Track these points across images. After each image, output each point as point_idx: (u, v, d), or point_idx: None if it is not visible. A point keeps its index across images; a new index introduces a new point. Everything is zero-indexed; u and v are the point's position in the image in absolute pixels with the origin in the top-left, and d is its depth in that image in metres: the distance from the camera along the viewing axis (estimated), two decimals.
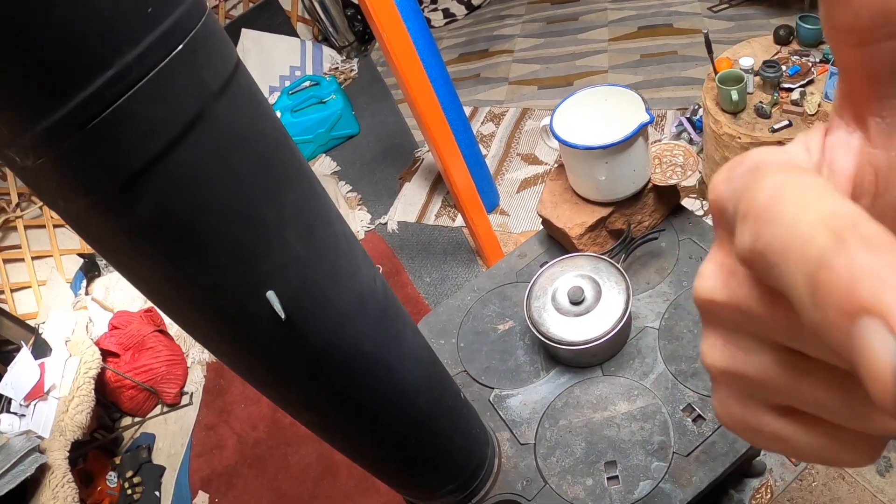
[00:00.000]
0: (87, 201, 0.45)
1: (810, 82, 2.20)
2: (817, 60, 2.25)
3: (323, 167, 3.31)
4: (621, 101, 1.22)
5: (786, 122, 2.09)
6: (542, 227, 1.41)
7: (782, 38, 2.38)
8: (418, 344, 0.82)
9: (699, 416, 1.08)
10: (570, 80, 3.16)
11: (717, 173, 0.21)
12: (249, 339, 0.60)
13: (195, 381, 2.71)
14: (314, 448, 2.31)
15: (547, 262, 1.25)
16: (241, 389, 2.60)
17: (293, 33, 3.92)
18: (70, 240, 3.22)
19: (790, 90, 2.18)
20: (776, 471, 1.90)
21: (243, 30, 3.82)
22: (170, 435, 2.60)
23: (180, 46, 0.44)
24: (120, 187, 0.45)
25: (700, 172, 2.64)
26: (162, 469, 2.50)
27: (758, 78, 2.24)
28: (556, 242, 1.38)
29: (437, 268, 2.59)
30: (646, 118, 1.14)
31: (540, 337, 1.13)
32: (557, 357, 1.20)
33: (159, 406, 2.70)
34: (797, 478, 1.87)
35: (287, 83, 3.60)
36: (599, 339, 1.09)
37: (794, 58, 2.31)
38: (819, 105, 2.10)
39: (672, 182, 1.25)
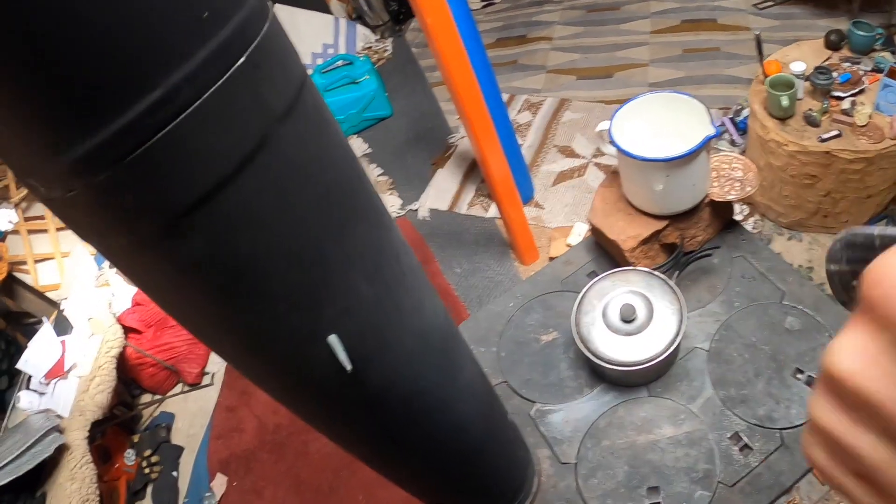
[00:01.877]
0: (125, 241, 0.39)
1: (861, 91, 2.12)
2: (869, 69, 2.16)
3: (354, 149, 3.26)
4: (684, 110, 1.17)
5: (835, 133, 2.02)
6: (585, 227, 1.37)
7: (833, 44, 2.29)
8: (475, 375, 0.79)
9: (746, 445, 1.05)
10: (609, 72, 3.09)
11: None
12: (306, 384, 0.56)
13: (217, 361, 2.71)
14: None
15: (596, 274, 1.21)
16: None
17: (327, 10, 3.85)
18: None
19: (840, 98, 2.10)
20: (803, 488, 1.86)
21: (276, 5, 3.76)
22: (189, 415, 2.61)
23: (240, 61, 0.37)
24: (165, 228, 0.38)
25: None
26: (180, 449, 2.51)
27: (808, 83, 2.15)
28: (604, 251, 1.34)
29: (468, 258, 2.55)
30: (711, 131, 1.09)
31: (588, 354, 1.10)
32: (603, 375, 1.17)
33: (180, 385, 2.71)
34: (823, 497, 1.83)
35: (319, 61, 3.54)
36: (650, 361, 1.05)
37: (846, 64, 2.22)
38: (870, 117, 2.03)
39: (730, 198, 1.20)
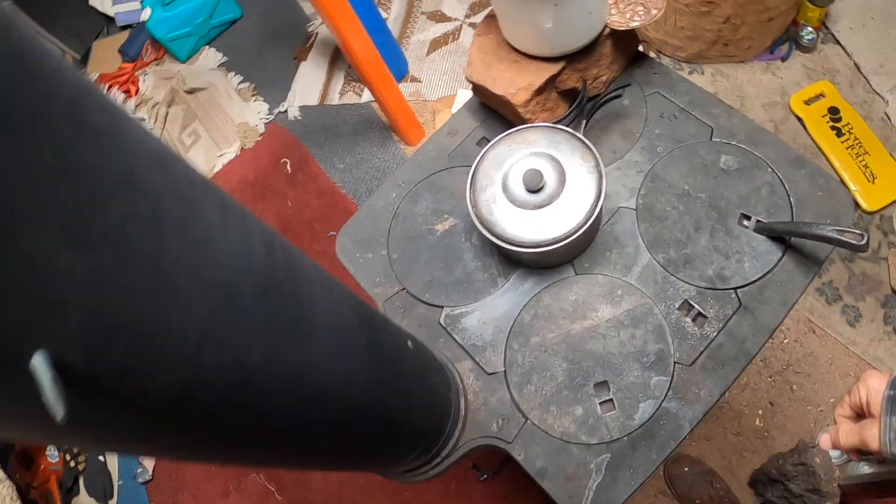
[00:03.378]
0: None
1: None
2: None
3: (208, 60, 2.72)
4: None
5: None
6: (470, 93, 1.07)
7: None
8: (341, 313, 0.50)
9: (700, 314, 0.83)
10: None
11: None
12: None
13: None
14: None
15: (488, 141, 0.92)
16: None
17: None
18: None
19: None
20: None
21: None
22: None
23: None
24: None
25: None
26: None
27: None
28: (494, 113, 1.04)
29: (348, 151, 2.19)
30: None
31: (494, 240, 0.82)
32: (518, 260, 0.91)
33: None
34: (768, 338, 1.74)
35: None
36: (571, 234, 0.80)
37: None
38: None
39: (635, 24, 0.90)
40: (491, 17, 0.97)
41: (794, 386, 1.65)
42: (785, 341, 1.70)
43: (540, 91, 0.92)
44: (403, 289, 0.96)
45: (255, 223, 0.42)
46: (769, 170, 0.89)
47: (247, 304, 0.36)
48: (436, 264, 0.95)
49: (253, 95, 2.46)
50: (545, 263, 0.89)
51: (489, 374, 0.86)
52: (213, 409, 0.35)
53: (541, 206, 0.81)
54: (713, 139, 0.93)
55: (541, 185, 0.81)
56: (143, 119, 2.62)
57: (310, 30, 2.59)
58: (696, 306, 0.83)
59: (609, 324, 0.84)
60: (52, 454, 2.08)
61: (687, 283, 0.84)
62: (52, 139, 0.23)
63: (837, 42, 2.04)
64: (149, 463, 2.03)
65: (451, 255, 0.95)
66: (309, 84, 2.39)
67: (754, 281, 0.83)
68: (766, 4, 1.80)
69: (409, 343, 0.70)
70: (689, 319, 0.83)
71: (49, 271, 0.23)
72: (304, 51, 2.49)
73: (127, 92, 2.81)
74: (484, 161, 0.86)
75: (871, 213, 1.78)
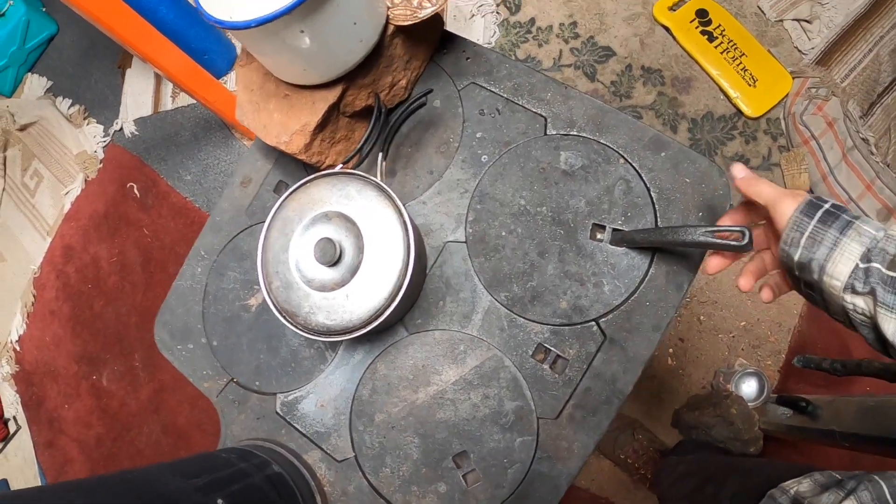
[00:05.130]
0: None
1: None
2: None
3: (33, 89, 2.32)
4: None
5: None
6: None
7: None
8: None
9: (558, 356, 0.71)
10: None
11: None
12: None
13: (10, 403, 2.07)
14: (154, 421, 1.85)
15: (287, 186, 0.74)
16: (56, 388, 2.00)
17: None
18: None
19: None
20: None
21: None
22: (17, 470, 2.03)
23: None
24: None
25: None
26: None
27: None
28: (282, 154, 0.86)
29: (193, 159, 1.94)
30: None
31: (301, 333, 0.67)
32: None
33: None
34: (642, 371, 1.66)
35: None
36: (385, 309, 0.65)
37: None
38: None
39: (425, 14, 0.72)
40: (247, 52, 0.76)
41: (702, 317, 1.60)
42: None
43: (321, 127, 0.73)
44: (232, 379, 0.81)
45: None
46: (622, 161, 0.74)
47: None
48: (259, 346, 0.80)
49: (85, 119, 2.14)
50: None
51: (340, 462, 0.74)
52: None
53: (342, 284, 0.65)
54: (548, 132, 0.77)
55: (336, 256, 0.65)
56: None
57: None
58: (553, 349, 0.71)
59: (456, 386, 0.72)
60: None
61: (538, 322, 0.71)
62: None
63: None
64: None
65: (271, 333, 0.80)
66: (139, 93, 2.07)
67: (618, 306, 0.70)
68: None
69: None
70: (546, 367, 0.71)
71: None
72: (126, 57, 2.15)
73: None
74: (269, 237, 0.69)
75: (757, 119, 1.67)
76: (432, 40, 0.83)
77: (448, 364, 0.72)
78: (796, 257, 0.54)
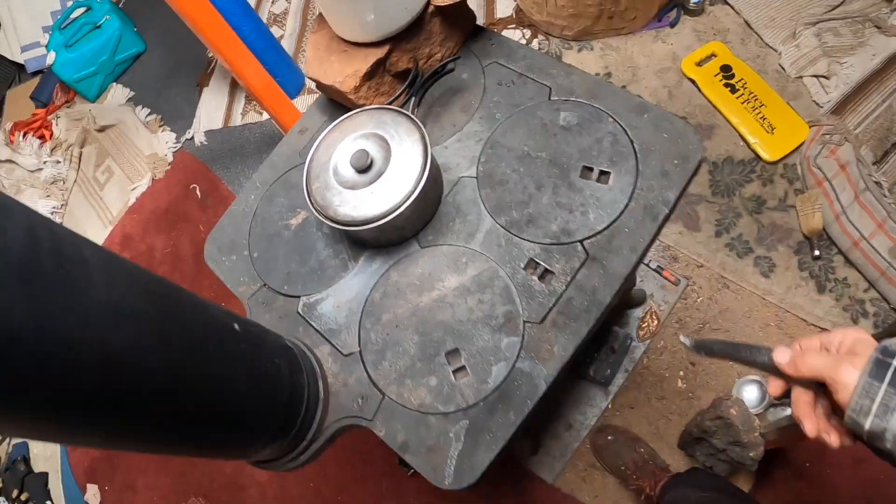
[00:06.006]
0: None
1: None
2: None
3: (116, 97, 2.72)
4: None
5: None
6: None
7: None
8: (123, 293, 0.52)
9: (546, 270, 0.85)
10: None
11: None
12: None
13: None
14: None
15: (326, 128, 0.94)
16: None
17: None
18: None
19: None
20: (657, 295, 1.79)
21: None
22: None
23: None
24: None
25: (515, 1, 2.34)
26: (45, 476, 2.16)
27: None
28: (340, 106, 1.07)
29: (254, 169, 2.22)
30: None
31: (328, 223, 0.85)
32: (363, 242, 0.93)
33: None
34: (680, 297, 1.77)
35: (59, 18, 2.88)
36: (401, 206, 0.82)
37: None
38: None
39: None
40: (322, 16, 1.00)
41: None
42: (699, 300, 1.74)
43: (370, 76, 0.94)
44: (265, 284, 0.98)
45: (20, 212, 0.45)
46: (611, 120, 0.91)
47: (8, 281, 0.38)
48: (292, 257, 0.97)
49: (160, 126, 2.47)
50: (389, 241, 0.91)
51: (346, 356, 0.88)
52: None
53: (370, 184, 0.83)
54: (552, 98, 0.96)
55: (367, 164, 0.83)
56: (58, 161, 2.60)
57: (210, 56, 2.61)
58: (542, 263, 0.85)
59: (456, 292, 0.86)
60: None
61: (531, 241, 0.87)
62: None
63: (726, 2, 2.11)
64: (93, 499, 2.03)
65: (305, 246, 0.97)
66: (212, 109, 2.41)
67: (601, 231, 0.85)
68: None
69: (236, 325, 0.71)
70: (535, 278, 0.85)
71: None
72: (206, 76, 2.51)
73: (42, 137, 2.80)
74: (318, 150, 0.89)
75: (775, 163, 1.83)
76: (465, 28, 1.05)
77: (451, 273, 0.88)
78: (867, 426, 0.51)
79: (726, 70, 1.96)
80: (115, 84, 2.76)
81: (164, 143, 2.39)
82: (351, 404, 0.85)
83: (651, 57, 2.07)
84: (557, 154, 0.91)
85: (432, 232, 0.91)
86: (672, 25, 2.09)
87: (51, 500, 2.10)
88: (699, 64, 1.99)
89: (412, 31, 0.95)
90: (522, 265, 0.86)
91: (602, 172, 0.88)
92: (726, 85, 1.93)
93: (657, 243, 1.85)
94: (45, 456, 2.21)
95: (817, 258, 1.71)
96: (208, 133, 2.35)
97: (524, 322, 0.83)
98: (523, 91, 0.99)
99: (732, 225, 1.81)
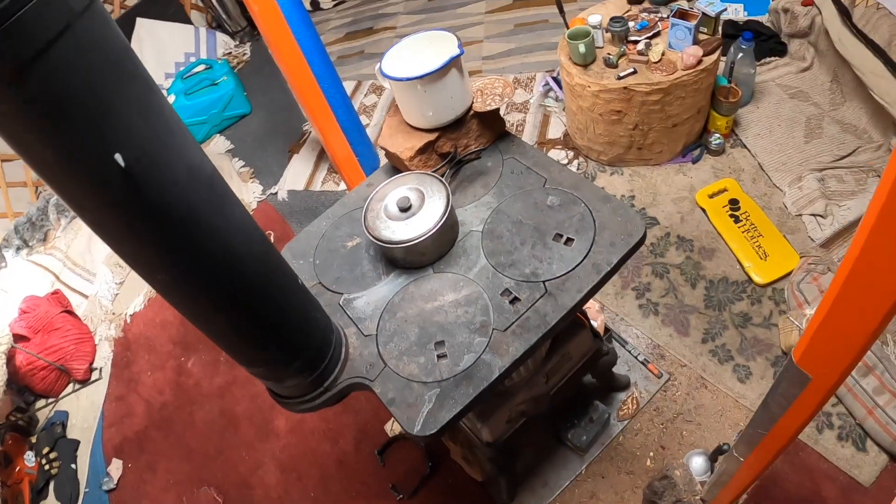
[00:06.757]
0: None
1: (656, 35, 2.41)
2: (665, 16, 2.45)
3: (217, 146, 3.38)
4: (441, 43, 1.38)
5: (631, 70, 2.30)
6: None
7: None
8: (247, 221, 0.95)
9: (515, 298, 1.25)
10: None
11: None
12: (104, 191, 0.73)
13: (103, 357, 2.75)
14: (216, 404, 2.41)
15: (384, 182, 1.40)
16: (146, 358, 2.66)
17: (187, 20, 3.95)
18: None
19: (637, 42, 2.39)
20: (640, 384, 2.11)
21: (138, 19, 3.83)
22: (82, 410, 2.64)
23: None
24: (12, 73, 0.59)
25: (564, 126, 2.86)
26: (77, 443, 2.54)
27: (609, 35, 2.45)
28: (397, 171, 1.54)
29: None
30: (456, 52, 1.31)
31: (374, 240, 1.28)
32: (394, 260, 1.36)
33: (71, 385, 2.74)
34: (661, 389, 2.09)
35: (182, 69, 3.65)
36: (424, 235, 1.25)
37: (644, 14, 2.52)
38: (663, 54, 2.32)
39: (490, 107, 1.42)
40: (396, 106, 1.50)
41: (685, 432, 1.98)
42: (677, 394, 2.05)
43: (422, 151, 1.41)
44: (319, 282, 1.41)
45: (204, 154, 0.89)
46: (582, 205, 1.34)
47: (197, 179, 0.83)
48: (343, 267, 1.41)
49: (251, 178, 3.07)
50: (413, 263, 1.34)
51: (365, 336, 1.28)
52: (179, 225, 0.81)
53: (407, 219, 1.28)
54: (545, 186, 1.40)
55: (407, 205, 1.28)
56: None
57: (304, 129, 3.25)
58: (514, 292, 1.25)
59: (451, 304, 1.27)
60: (29, 458, 2.45)
61: (509, 277, 1.27)
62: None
63: (745, 146, 2.56)
64: (115, 472, 2.37)
65: (353, 261, 1.41)
66: (298, 172, 2.99)
67: (559, 276, 1.25)
68: (666, 112, 2.34)
69: (301, 282, 1.14)
70: (507, 301, 1.25)
71: (130, 125, 0.70)
72: (298, 145, 3.13)
73: None
74: (377, 195, 1.35)
75: (765, 286, 2.18)
76: (496, 131, 1.52)
77: (450, 291, 1.29)
78: None
79: (734, 203, 2.36)
80: (218, 135, 3.44)
81: (252, 192, 2.96)
82: (361, 368, 1.24)
83: (671, 186, 2.51)
84: (540, 223, 1.33)
85: (444, 263, 1.34)
86: (694, 162, 2.54)
87: (76, 463, 2.48)
88: (711, 196, 2.41)
89: (456, 126, 1.43)
90: (500, 292, 1.26)
91: (568, 239, 1.29)
92: (731, 216, 2.33)
93: (648, 341, 2.19)
94: (83, 426, 2.61)
95: None
96: (291, 192, 2.92)
97: (493, 329, 1.22)
98: (527, 179, 1.43)
99: (718, 335, 2.14)
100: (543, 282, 1.25)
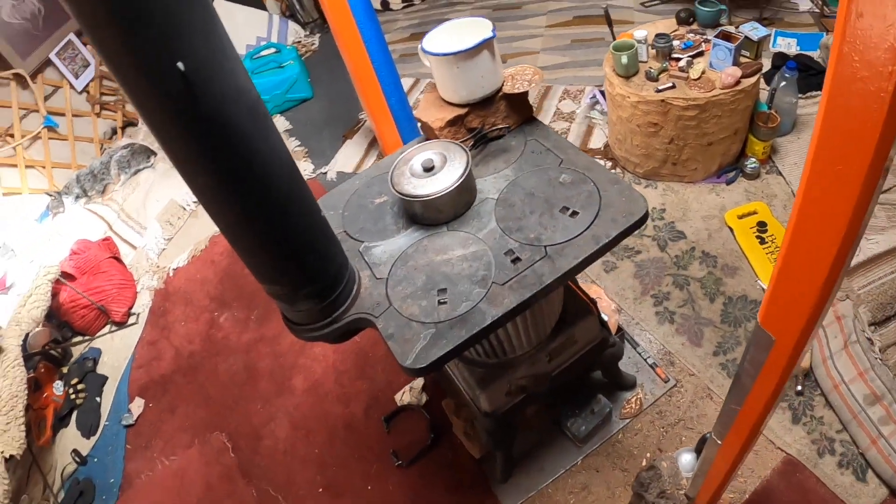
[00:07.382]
0: None
1: (700, 54, 2.55)
2: (710, 38, 2.60)
3: (277, 126, 3.67)
4: (477, 27, 1.57)
5: (670, 84, 2.44)
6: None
7: (683, 20, 2.74)
8: (281, 148, 1.14)
9: (517, 258, 1.40)
10: (504, 59, 3.55)
11: None
12: (166, 91, 0.91)
13: (142, 304, 3.01)
14: (241, 358, 2.61)
15: (412, 145, 1.58)
16: (182, 309, 2.90)
17: (262, 7, 4.30)
18: (38, 179, 3.52)
19: (679, 60, 2.54)
20: (647, 386, 2.22)
21: (216, 0, 4.18)
22: (115, 350, 2.89)
23: None
24: None
25: (605, 135, 2.99)
26: (105, 378, 2.79)
27: (654, 50, 2.60)
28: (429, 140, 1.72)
29: None
30: (489, 35, 1.50)
31: (397, 194, 1.46)
32: (414, 216, 1.53)
33: (108, 326, 3.00)
34: (666, 393, 2.19)
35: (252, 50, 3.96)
36: (442, 191, 1.42)
37: (690, 34, 2.67)
38: (703, 72, 2.46)
39: (518, 90, 1.59)
40: (433, 83, 1.68)
41: (684, 438, 2.07)
42: (682, 400, 2.14)
43: (452, 123, 1.59)
44: (344, 230, 1.59)
45: (253, 85, 1.09)
46: (592, 184, 1.49)
47: (243, 101, 1.02)
48: (368, 220, 1.59)
49: (304, 157, 3.32)
50: (430, 219, 1.51)
51: (377, 279, 1.46)
52: (222, 129, 1.00)
53: (429, 177, 1.45)
54: (560, 165, 1.56)
55: (431, 166, 1.46)
56: None
57: (360, 117, 3.49)
58: (516, 252, 1.41)
59: (458, 258, 1.43)
60: (58, 387, 2.70)
61: (514, 240, 1.43)
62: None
63: (780, 174, 2.65)
64: (136, 410, 2.60)
65: (378, 215, 1.59)
66: (348, 157, 3.23)
67: (559, 243, 1.40)
68: (702, 129, 2.46)
69: (322, 215, 1.32)
70: (509, 260, 1.40)
71: (192, 41, 0.90)
72: (352, 132, 3.38)
73: None
74: (405, 154, 1.53)
75: None
76: (524, 115, 1.69)
77: (459, 247, 1.45)
78: None
79: (762, 226, 2.45)
80: (279, 115, 3.73)
81: (303, 170, 3.21)
82: (369, 306, 1.42)
83: (702, 204, 2.62)
84: (550, 197, 1.49)
85: (458, 223, 1.50)
86: (728, 183, 2.64)
87: (101, 397, 2.71)
88: (741, 217, 2.51)
89: (486, 104, 1.61)
90: (504, 252, 1.42)
91: (574, 212, 1.44)
92: (758, 237, 2.42)
93: (660, 346, 2.30)
94: (113, 365, 2.86)
95: (800, 394, 2.07)
96: (339, 173, 3.17)
97: (492, 282, 1.37)
98: (545, 158, 1.59)
99: (731, 350, 2.23)
100: (545, 246, 1.40)
